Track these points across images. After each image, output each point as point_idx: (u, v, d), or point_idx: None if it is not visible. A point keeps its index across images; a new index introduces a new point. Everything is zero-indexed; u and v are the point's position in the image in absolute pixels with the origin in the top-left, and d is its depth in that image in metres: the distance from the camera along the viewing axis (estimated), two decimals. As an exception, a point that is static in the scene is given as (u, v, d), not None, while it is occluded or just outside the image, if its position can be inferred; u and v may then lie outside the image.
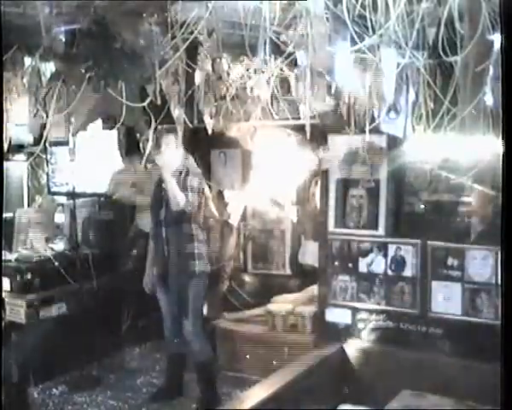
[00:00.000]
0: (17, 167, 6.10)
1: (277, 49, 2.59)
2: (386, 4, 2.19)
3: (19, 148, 5.70)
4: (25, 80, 2.88)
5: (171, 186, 4.08)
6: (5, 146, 2.97)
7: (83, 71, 2.52)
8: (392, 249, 3.73)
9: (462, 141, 2.69)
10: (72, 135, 4.22)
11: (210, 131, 3.53)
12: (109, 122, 4.70)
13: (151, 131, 3.02)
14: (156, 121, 2.93)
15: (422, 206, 3.70)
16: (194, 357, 4.37)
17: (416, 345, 3.64)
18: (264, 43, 2.43)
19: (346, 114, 3.19)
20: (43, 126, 3.23)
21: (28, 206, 6.21)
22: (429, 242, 3.61)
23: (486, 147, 2.59)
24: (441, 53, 2.42)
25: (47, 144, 5.37)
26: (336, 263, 3.91)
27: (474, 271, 3.49)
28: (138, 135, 4.93)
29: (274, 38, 2.46)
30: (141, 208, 5.36)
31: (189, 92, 3.08)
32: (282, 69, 3.04)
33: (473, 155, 2.94)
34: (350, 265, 3.86)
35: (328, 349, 3.80)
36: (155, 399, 4.55)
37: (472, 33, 2.17)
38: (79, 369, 4.81)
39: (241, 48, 2.51)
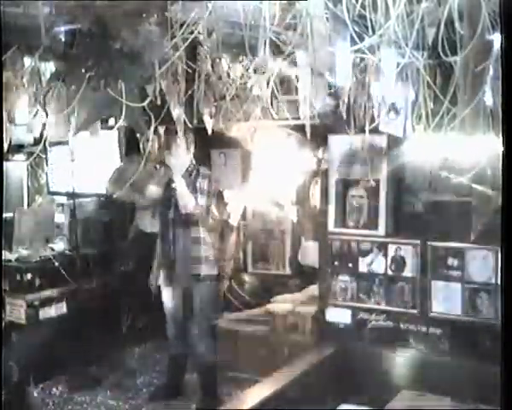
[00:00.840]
0: (17, 167, 6.10)
1: (277, 49, 2.59)
2: (386, 4, 2.19)
3: (19, 148, 5.71)
4: (25, 80, 2.88)
5: (181, 188, 4.09)
6: (5, 146, 2.97)
7: (83, 71, 2.52)
8: (392, 249, 3.73)
9: (462, 141, 2.68)
10: (73, 135, 4.22)
11: (210, 131, 3.53)
12: (109, 122, 4.70)
13: (151, 131, 3.02)
14: (156, 121, 2.93)
15: (422, 206, 3.69)
16: (197, 358, 4.37)
17: (416, 345, 3.64)
18: (264, 43, 2.43)
19: (346, 114, 3.18)
20: (43, 126, 3.23)
21: (28, 206, 6.21)
22: (429, 242, 3.61)
23: (486, 147, 2.58)
24: (441, 53, 2.41)
25: (47, 144, 5.36)
26: (336, 263, 3.91)
27: (474, 271, 3.49)
28: (138, 135, 4.94)
29: (274, 38, 2.46)
30: (141, 208, 5.36)
31: (189, 92, 3.08)
32: (281, 69, 3.04)
33: (473, 155, 2.94)
34: (350, 265, 3.86)
35: (328, 349, 3.80)
36: (155, 399, 4.56)
37: (472, 33, 2.17)
38: (79, 369, 4.81)
39: (241, 48, 2.51)
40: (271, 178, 5.28)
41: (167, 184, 4.28)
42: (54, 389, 4.70)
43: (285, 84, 3.60)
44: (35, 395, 4.59)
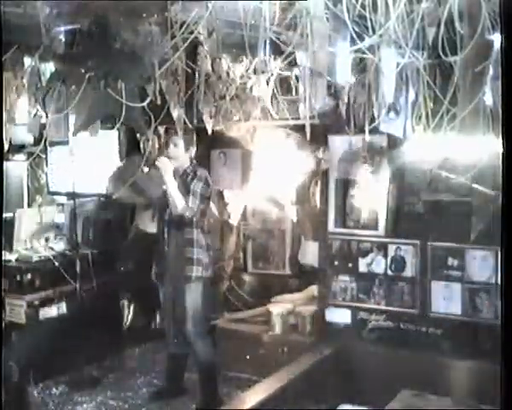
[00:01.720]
0: (17, 167, 6.10)
1: (277, 49, 2.59)
2: (386, 4, 2.19)
3: (19, 148, 5.70)
4: (24, 80, 2.88)
5: (171, 189, 4.08)
6: (5, 146, 2.97)
7: (83, 71, 2.52)
8: (392, 249, 3.74)
9: (462, 141, 2.69)
10: (73, 135, 4.22)
11: (210, 131, 3.53)
12: (109, 122, 4.70)
13: (151, 131, 3.02)
14: (156, 121, 2.93)
15: (422, 206, 3.69)
16: (196, 358, 4.37)
17: (416, 345, 3.64)
18: (264, 43, 2.43)
19: (346, 114, 3.19)
20: (43, 126, 3.23)
21: (28, 206, 6.21)
22: (429, 242, 3.62)
23: (486, 147, 2.58)
24: (441, 53, 2.41)
25: (47, 144, 5.37)
26: (336, 263, 3.91)
27: (474, 271, 3.49)
28: (138, 135, 4.94)
29: (274, 38, 2.46)
30: (141, 208, 5.36)
31: (189, 92, 3.08)
32: (281, 69, 3.04)
33: (473, 155, 2.94)
34: (350, 265, 3.87)
35: (328, 349, 3.80)
36: (155, 399, 4.56)
37: (472, 33, 2.17)
38: (79, 369, 4.81)
39: (241, 48, 2.51)
40: (271, 178, 5.28)
41: (161, 185, 4.28)
42: (54, 389, 4.70)
43: (285, 84, 3.60)
44: (35, 395, 4.59)
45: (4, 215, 4.71)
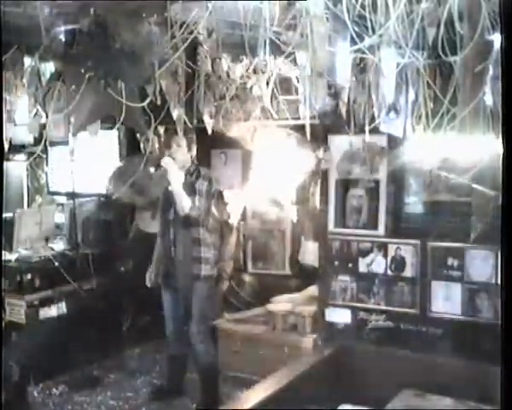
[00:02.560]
0: (17, 167, 6.10)
1: (277, 49, 2.59)
2: (386, 4, 2.19)
3: (19, 148, 5.71)
4: (24, 80, 2.88)
5: (177, 189, 4.08)
6: (5, 146, 2.97)
7: (83, 71, 2.52)
8: (392, 249, 3.74)
9: (462, 141, 2.69)
10: (73, 135, 4.22)
11: (210, 131, 3.53)
12: (109, 122, 4.70)
13: (151, 131, 3.02)
14: (156, 121, 2.93)
15: (422, 206, 3.69)
16: (198, 358, 4.37)
17: (416, 345, 3.64)
18: (264, 43, 2.43)
19: (346, 114, 3.18)
20: (43, 126, 3.23)
21: (28, 206, 6.21)
22: (429, 242, 3.62)
23: (486, 147, 2.58)
24: (441, 53, 2.41)
25: (47, 144, 5.36)
26: (336, 263, 3.91)
27: (474, 271, 3.49)
28: (138, 135, 4.94)
29: (274, 38, 2.46)
30: (141, 208, 5.36)
31: (189, 92, 3.08)
32: (281, 69, 3.04)
33: (473, 155, 2.94)
34: (350, 265, 3.86)
35: (328, 349, 3.80)
36: (155, 399, 4.56)
37: (472, 33, 2.17)
38: (79, 369, 4.81)
39: (241, 48, 2.51)
40: (271, 178, 5.28)
41: (167, 185, 4.28)
42: (54, 389, 4.70)
43: (285, 84, 3.60)
44: (35, 395, 4.59)
45: (4, 215, 4.71)
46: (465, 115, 2.34)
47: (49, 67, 2.92)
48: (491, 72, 2.29)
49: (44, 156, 5.96)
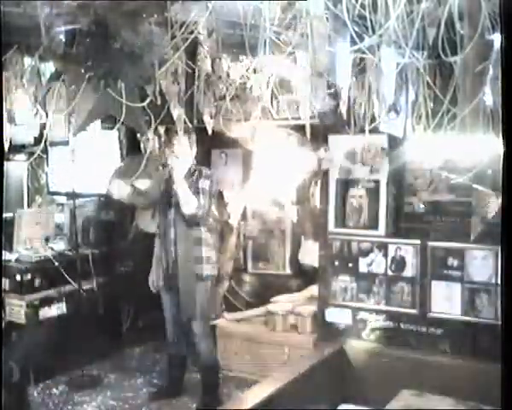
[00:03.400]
0: (17, 167, 6.10)
1: (277, 50, 2.59)
2: (386, 4, 2.19)
3: (19, 148, 5.70)
4: (24, 80, 2.88)
5: (183, 189, 4.08)
6: (5, 146, 2.97)
7: (83, 71, 2.52)
8: (392, 249, 3.73)
9: (462, 141, 2.69)
10: (73, 135, 4.22)
11: (210, 131, 3.53)
12: (109, 122, 4.70)
13: (151, 131, 3.02)
14: (156, 121, 2.92)
15: (422, 205, 3.69)
16: (198, 358, 4.37)
17: (416, 345, 3.64)
18: (264, 43, 2.43)
19: (346, 114, 3.18)
20: (43, 126, 3.23)
21: (28, 206, 6.21)
22: (429, 242, 3.62)
23: (486, 147, 2.58)
24: (441, 53, 2.41)
25: (47, 144, 5.37)
26: (336, 263, 3.91)
27: (474, 271, 3.49)
28: (138, 135, 4.94)
29: (274, 38, 2.46)
30: (141, 208, 5.36)
31: (189, 92, 3.08)
32: (281, 69, 3.04)
33: (473, 155, 2.94)
34: (350, 265, 3.86)
35: (328, 349, 3.80)
36: (155, 399, 4.56)
37: (472, 33, 2.17)
38: (79, 369, 4.81)
39: (241, 48, 2.51)
40: (272, 178, 5.28)
41: (168, 185, 4.28)
42: (54, 389, 4.70)
43: (285, 84, 3.60)
44: (35, 395, 4.59)
45: (4, 215, 4.71)
46: (465, 115, 2.34)
47: (49, 67, 2.92)
48: (491, 72, 2.29)
49: (44, 156, 5.95)
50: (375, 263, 3.78)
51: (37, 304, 4.69)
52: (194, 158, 4.35)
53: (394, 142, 3.57)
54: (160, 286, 4.39)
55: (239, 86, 3.39)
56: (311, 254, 4.96)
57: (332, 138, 3.92)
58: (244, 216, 5.55)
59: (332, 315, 3.94)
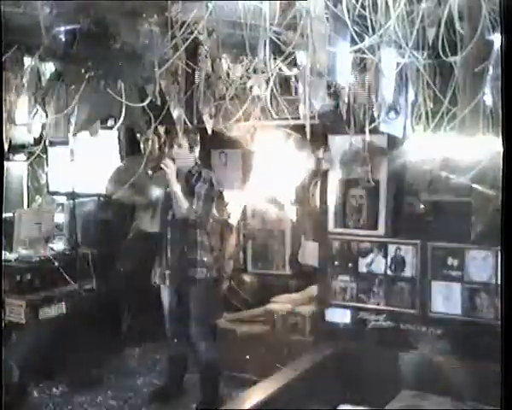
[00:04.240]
0: (17, 167, 6.10)
1: (277, 49, 2.59)
2: (386, 4, 2.19)
3: (19, 148, 5.71)
4: (24, 80, 2.88)
5: (176, 191, 4.08)
6: (5, 146, 2.97)
7: (83, 71, 2.52)
8: (392, 249, 3.74)
9: (462, 141, 2.69)
10: (73, 135, 4.21)
11: (210, 131, 3.53)
12: (109, 122, 4.70)
13: (151, 131, 3.02)
14: (156, 121, 2.93)
15: (422, 206, 3.69)
16: (198, 358, 4.37)
17: (416, 345, 3.64)
18: (264, 44, 2.43)
19: (346, 114, 3.18)
20: (43, 126, 3.23)
21: (28, 206, 6.21)
22: (429, 242, 3.62)
23: (486, 147, 2.59)
24: (441, 53, 2.41)
25: (47, 144, 5.37)
26: (336, 263, 3.91)
27: (474, 271, 3.49)
28: (138, 135, 4.94)
29: (274, 38, 2.46)
30: (141, 208, 5.36)
31: (189, 92, 3.08)
32: (281, 69, 3.04)
33: (473, 155, 2.94)
34: (350, 265, 3.87)
35: (329, 349, 3.80)
36: (155, 399, 4.56)
37: (472, 33, 2.17)
38: (79, 369, 4.81)
39: (241, 48, 2.51)
40: (271, 178, 5.28)
41: (166, 187, 4.28)
42: (54, 389, 4.70)
43: (285, 84, 3.60)
44: (35, 395, 4.59)
45: (4, 215, 4.71)
46: (465, 115, 2.34)
47: (49, 67, 2.92)
48: (491, 72, 2.29)
49: (44, 156, 5.95)
50: (375, 263, 3.78)
51: (37, 304, 4.69)
52: (197, 159, 4.34)
53: (394, 142, 3.57)
54: (160, 285, 4.40)
55: (239, 86, 3.39)
56: (310, 254, 4.96)
57: (332, 138, 3.92)
58: (244, 216, 5.55)
59: (332, 315, 3.94)
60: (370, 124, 3.16)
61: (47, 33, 2.31)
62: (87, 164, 5.41)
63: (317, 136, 3.57)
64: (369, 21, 2.28)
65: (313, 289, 4.68)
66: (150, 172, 4.26)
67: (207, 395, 4.33)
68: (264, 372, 3.67)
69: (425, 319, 3.63)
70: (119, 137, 5.55)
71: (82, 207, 5.52)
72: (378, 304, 3.77)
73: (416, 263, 3.66)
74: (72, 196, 5.29)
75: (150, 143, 4.40)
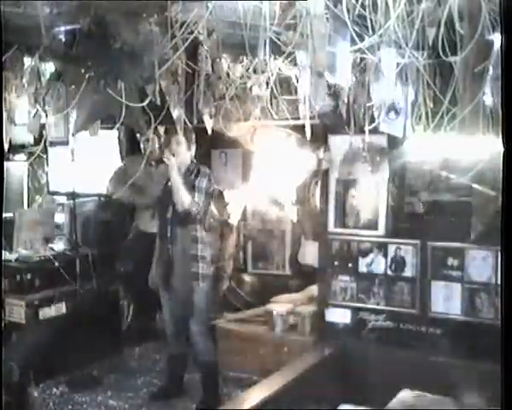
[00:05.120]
0: (17, 167, 6.11)
1: (277, 49, 2.59)
2: (386, 4, 2.19)
3: (19, 148, 5.71)
4: (24, 80, 2.88)
5: (178, 186, 4.10)
6: (5, 146, 2.97)
7: (83, 71, 2.52)
8: (392, 249, 3.73)
9: (462, 141, 2.69)
10: (73, 135, 4.22)
11: (210, 131, 3.53)
12: (109, 122, 4.69)
13: (151, 131, 3.02)
14: (156, 121, 2.93)
15: (422, 206, 3.69)
16: (198, 357, 4.38)
17: (416, 345, 3.64)
18: (264, 44, 2.43)
19: (346, 114, 3.18)
20: (43, 126, 3.23)
21: (28, 206, 6.21)
22: (429, 242, 3.61)
23: (486, 147, 2.59)
24: (441, 53, 2.41)
25: (47, 144, 5.37)
26: (336, 263, 3.91)
27: (474, 271, 3.49)
28: (138, 135, 4.95)
29: (274, 38, 2.46)
30: (141, 208, 5.36)
31: (189, 92, 3.08)
32: (281, 69, 3.04)
33: (473, 155, 2.94)
34: (350, 265, 3.86)
35: (328, 349, 3.80)
36: (155, 399, 4.56)
37: (472, 33, 2.17)
38: (79, 369, 4.81)
39: (241, 48, 2.51)
40: (271, 178, 5.29)
41: (166, 183, 4.30)
42: (54, 389, 4.70)
43: (285, 84, 3.60)
44: (35, 395, 4.59)
45: (4, 215, 4.71)
46: (465, 115, 2.34)
47: (49, 67, 2.92)
48: (491, 72, 2.29)
49: (44, 156, 5.96)
50: (375, 263, 3.78)
51: (37, 304, 4.69)
52: (194, 157, 4.36)
53: (394, 142, 3.57)
54: (159, 285, 4.40)
55: (239, 86, 3.39)
56: (310, 254, 4.96)
57: (332, 138, 3.92)
58: (244, 216, 5.55)
59: (332, 315, 3.94)
60: (370, 124, 3.16)
61: (47, 33, 2.31)
62: (87, 164, 5.42)
63: (317, 136, 3.56)
64: (368, 21, 2.29)
65: (313, 290, 4.68)
66: (153, 162, 4.27)
67: (207, 395, 4.33)
68: (264, 372, 3.67)
69: (425, 319, 3.63)
70: (119, 137, 5.56)
71: (82, 207, 5.52)
72: (378, 304, 3.77)
73: (415, 263, 3.66)
74: (72, 196, 5.29)
75: (150, 142, 4.40)
